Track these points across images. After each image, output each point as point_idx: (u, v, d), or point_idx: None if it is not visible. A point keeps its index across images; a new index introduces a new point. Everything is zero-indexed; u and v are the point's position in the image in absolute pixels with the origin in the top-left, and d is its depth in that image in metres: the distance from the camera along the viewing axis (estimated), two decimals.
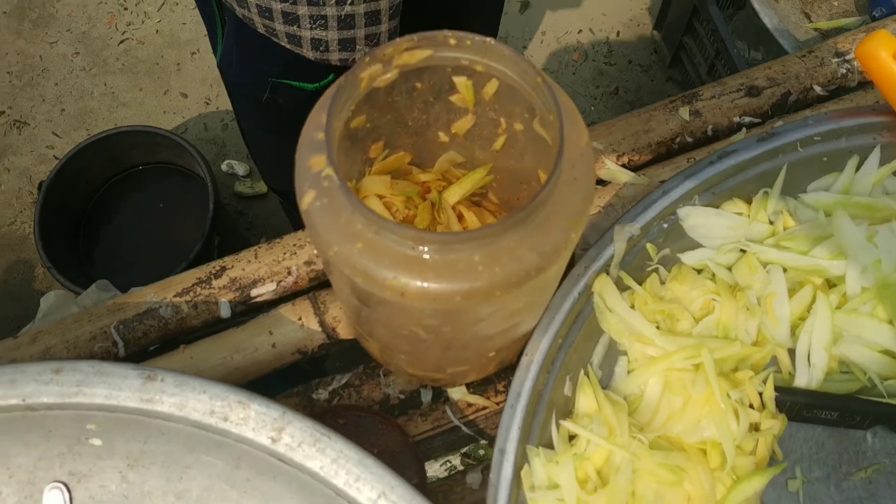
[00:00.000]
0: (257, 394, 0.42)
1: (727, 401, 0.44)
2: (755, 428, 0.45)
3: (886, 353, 0.46)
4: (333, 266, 0.34)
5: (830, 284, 0.47)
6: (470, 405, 0.51)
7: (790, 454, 0.47)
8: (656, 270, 0.47)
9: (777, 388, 0.46)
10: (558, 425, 0.45)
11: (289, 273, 0.52)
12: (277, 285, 0.52)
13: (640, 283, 0.47)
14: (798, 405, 0.46)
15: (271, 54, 0.71)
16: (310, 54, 0.64)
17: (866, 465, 0.47)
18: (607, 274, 0.45)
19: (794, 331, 0.47)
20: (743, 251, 0.47)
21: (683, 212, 0.46)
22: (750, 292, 0.46)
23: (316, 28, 0.62)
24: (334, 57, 0.65)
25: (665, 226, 0.46)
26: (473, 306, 0.33)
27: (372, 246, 0.33)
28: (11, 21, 1.65)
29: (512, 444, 0.43)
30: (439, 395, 0.51)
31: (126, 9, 1.66)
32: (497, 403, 0.50)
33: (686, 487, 0.44)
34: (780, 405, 0.46)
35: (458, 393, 0.51)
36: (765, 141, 0.46)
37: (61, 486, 0.45)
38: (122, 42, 1.63)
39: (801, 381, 0.47)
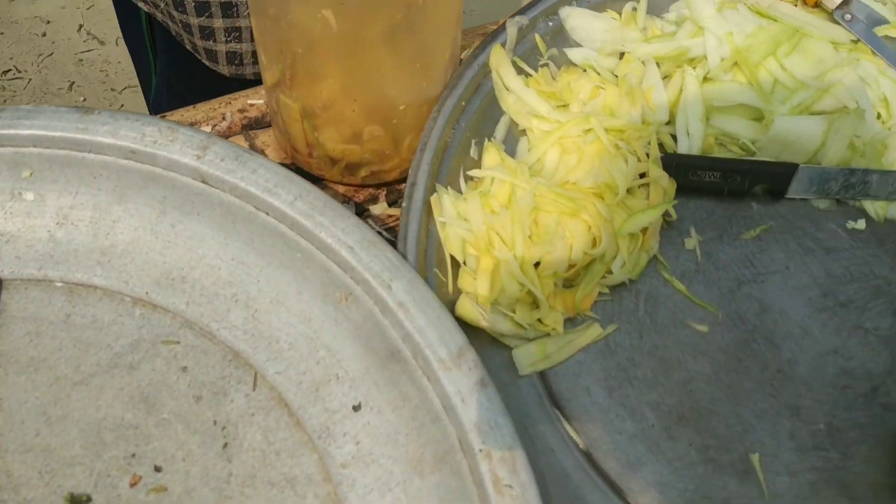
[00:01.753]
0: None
1: (617, 149, 0.49)
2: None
3: (754, 119, 0.52)
4: None
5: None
6: (390, 216, 0.54)
7: (682, 220, 0.51)
8: (547, 65, 0.53)
9: (662, 153, 0.51)
10: (466, 177, 0.49)
11: (223, 118, 0.57)
12: (213, 129, 0.57)
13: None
14: (683, 167, 0.51)
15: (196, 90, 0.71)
16: (225, 70, 0.70)
17: (754, 226, 0.51)
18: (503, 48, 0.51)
19: (672, 118, 0.53)
20: (621, 56, 0.54)
21: (565, 12, 0.53)
22: (631, 76, 0.52)
23: (231, 41, 0.67)
24: (248, 71, 0.71)
25: (550, 24, 0.53)
26: None
27: None
28: None
29: (423, 177, 0.47)
30: (361, 211, 0.55)
31: None
32: None
33: (584, 218, 0.47)
34: (667, 167, 0.50)
35: (379, 208, 0.54)
36: None
37: None
38: None
39: (683, 149, 0.52)
